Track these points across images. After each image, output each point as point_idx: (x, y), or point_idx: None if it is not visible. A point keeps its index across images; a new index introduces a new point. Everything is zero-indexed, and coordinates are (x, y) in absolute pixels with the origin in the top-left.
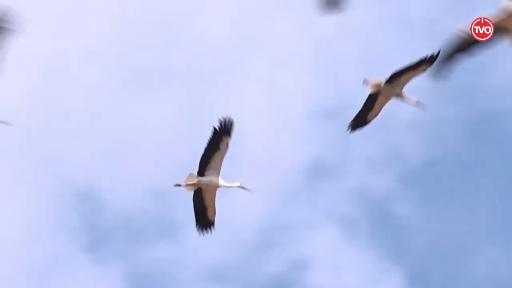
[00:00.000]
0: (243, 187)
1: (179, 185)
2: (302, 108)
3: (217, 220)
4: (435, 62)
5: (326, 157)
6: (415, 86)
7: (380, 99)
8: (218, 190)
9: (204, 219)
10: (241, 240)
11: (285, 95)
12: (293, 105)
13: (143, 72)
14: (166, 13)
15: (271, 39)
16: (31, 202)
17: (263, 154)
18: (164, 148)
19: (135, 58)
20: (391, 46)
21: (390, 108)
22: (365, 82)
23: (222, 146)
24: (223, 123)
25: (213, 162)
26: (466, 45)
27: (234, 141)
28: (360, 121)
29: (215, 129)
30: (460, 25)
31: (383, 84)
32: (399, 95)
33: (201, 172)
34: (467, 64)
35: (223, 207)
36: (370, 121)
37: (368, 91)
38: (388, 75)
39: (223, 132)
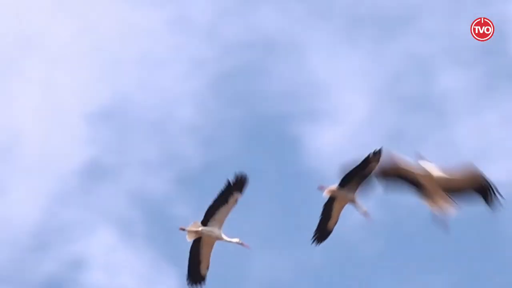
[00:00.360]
0: (241, 244)
1: (183, 229)
2: (78, 109)
3: None
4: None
5: (102, 158)
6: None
7: (336, 206)
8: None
9: (196, 273)
10: (15, 240)
11: (61, 96)
12: (70, 106)
13: None
14: None
15: (48, 40)
16: None
17: (39, 155)
18: None
19: None
20: (170, 47)
21: (166, 111)
22: (320, 188)
23: (231, 200)
24: (238, 178)
25: (218, 214)
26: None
27: (8, 142)
28: (322, 232)
29: (229, 183)
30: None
31: (336, 189)
32: (353, 200)
33: (205, 222)
34: (245, 68)
35: None
36: (331, 229)
37: (324, 197)
38: (338, 181)
39: (236, 187)
